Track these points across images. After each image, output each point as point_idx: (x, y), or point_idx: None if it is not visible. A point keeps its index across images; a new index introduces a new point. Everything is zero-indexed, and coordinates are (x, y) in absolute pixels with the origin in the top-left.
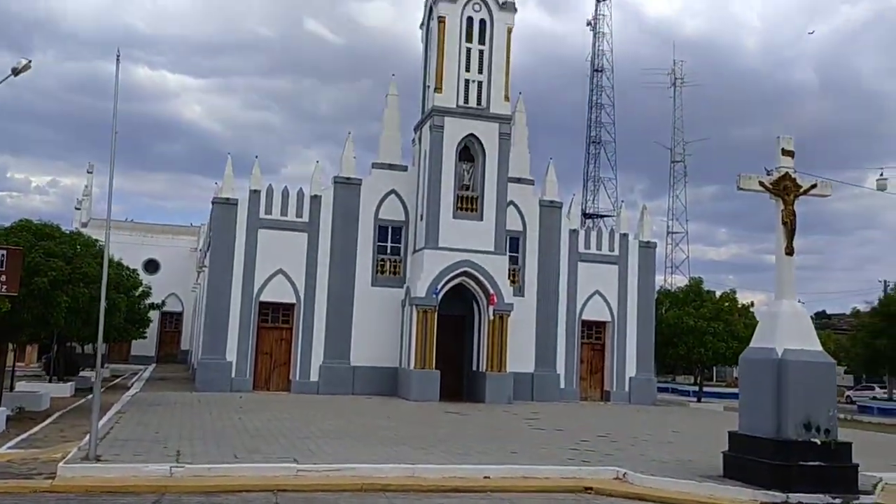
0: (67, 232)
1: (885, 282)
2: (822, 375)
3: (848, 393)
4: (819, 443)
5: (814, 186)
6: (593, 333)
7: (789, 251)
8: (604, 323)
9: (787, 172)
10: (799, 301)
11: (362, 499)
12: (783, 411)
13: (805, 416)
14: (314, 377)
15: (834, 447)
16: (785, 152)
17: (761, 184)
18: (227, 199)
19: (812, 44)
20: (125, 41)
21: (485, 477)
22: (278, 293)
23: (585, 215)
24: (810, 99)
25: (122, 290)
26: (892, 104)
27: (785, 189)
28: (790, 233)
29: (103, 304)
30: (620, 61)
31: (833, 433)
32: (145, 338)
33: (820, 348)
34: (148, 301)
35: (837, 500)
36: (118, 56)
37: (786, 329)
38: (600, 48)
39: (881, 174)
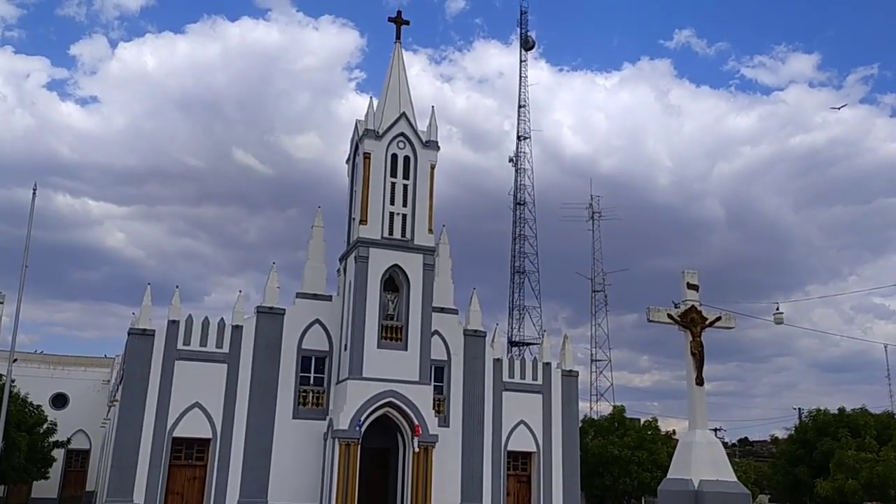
0: None
1: (799, 409)
2: None
3: None
4: None
5: (718, 319)
6: (519, 464)
7: (699, 381)
8: (530, 453)
9: (692, 305)
10: (719, 429)
11: None
12: None
13: None
14: None
15: None
16: (690, 286)
17: (669, 316)
18: (144, 329)
19: (718, 180)
20: (47, 168)
21: None
22: (193, 428)
23: (512, 343)
24: (719, 231)
25: (24, 427)
26: (793, 237)
27: (692, 321)
28: (699, 363)
29: None
30: (542, 194)
31: None
32: (48, 478)
33: (734, 478)
34: (53, 439)
35: None
36: (34, 191)
37: (700, 459)
38: (522, 183)
39: (777, 308)
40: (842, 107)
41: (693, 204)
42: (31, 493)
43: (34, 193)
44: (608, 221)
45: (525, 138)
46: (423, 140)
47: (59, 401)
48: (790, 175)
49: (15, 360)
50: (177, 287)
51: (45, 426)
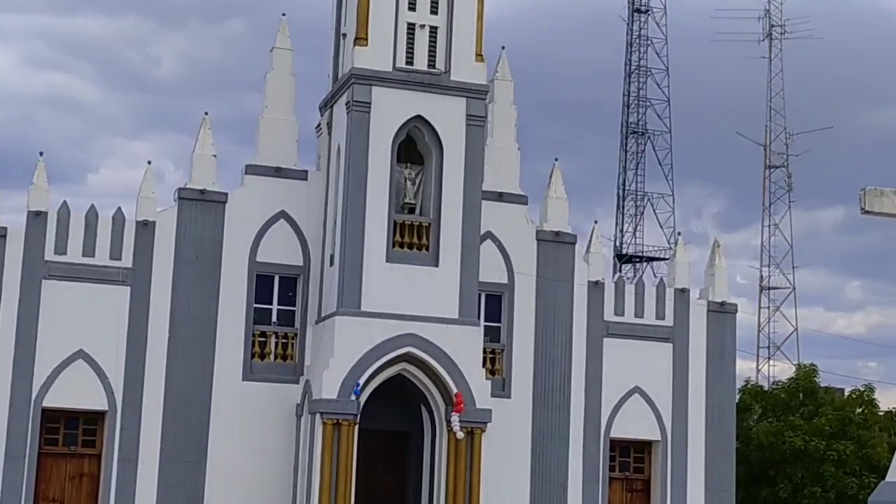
0: None
1: None
2: None
3: None
4: None
5: None
6: (630, 462)
7: None
8: (649, 443)
9: None
10: None
11: None
12: None
13: None
14: None
15: None
16: None
17: None
18: None
19: None
20: None
21: None
22: (76, 393)
23: (621, 256)
24: None
25: None
26: None
27: None
28: None
29: None
30: None
31: None
32: None
33: None
34: None
35: None
36: None
37: None
38: None
39: None
40: None
41: None
42: None
43: None
44: (797, 43)
45: None
46: None
47: None
48: None
49: None
50: (40, 154)
51: None
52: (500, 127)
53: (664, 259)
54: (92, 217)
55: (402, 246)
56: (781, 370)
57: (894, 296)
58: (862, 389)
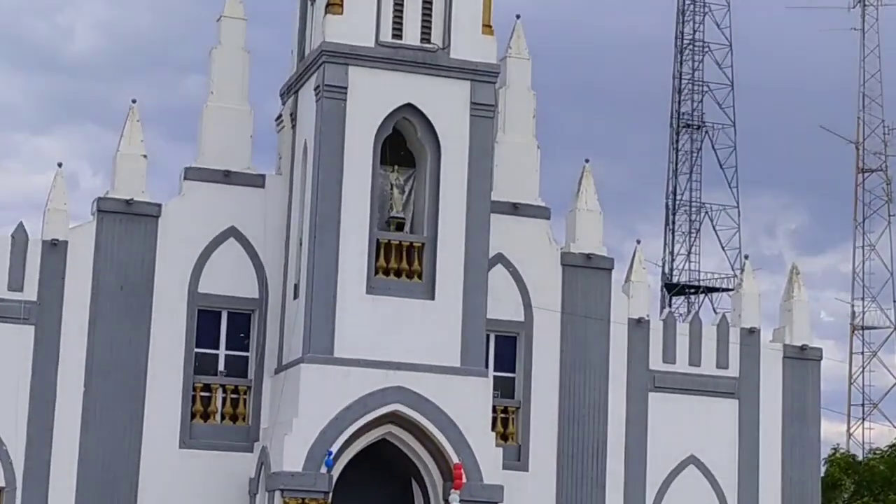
0: None
1: None
2: None
3: None
4: None
5: None
6: None
7: None
8: None
9: None
10: None
11: None
12: None
13: None
14: None
15: None
16: None
17: None
18: None
19: None
20: None
21: None
22: None
23: (670, 287)
24: None
25: None
26: None
27: None
28: None
29: None
30: None
31: None
32: None
33: None
34: None
35: None
36: None
37: None
38: None
39: None
40: None
41: None
42: None
43: None
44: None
45: None
46: None
47: None
48: None
49: None
50: None
51: None
52: (514, 118)
53: (727, 290)
54: None
55: (387, 273)
56: (879, 434)
57: None
58: None
